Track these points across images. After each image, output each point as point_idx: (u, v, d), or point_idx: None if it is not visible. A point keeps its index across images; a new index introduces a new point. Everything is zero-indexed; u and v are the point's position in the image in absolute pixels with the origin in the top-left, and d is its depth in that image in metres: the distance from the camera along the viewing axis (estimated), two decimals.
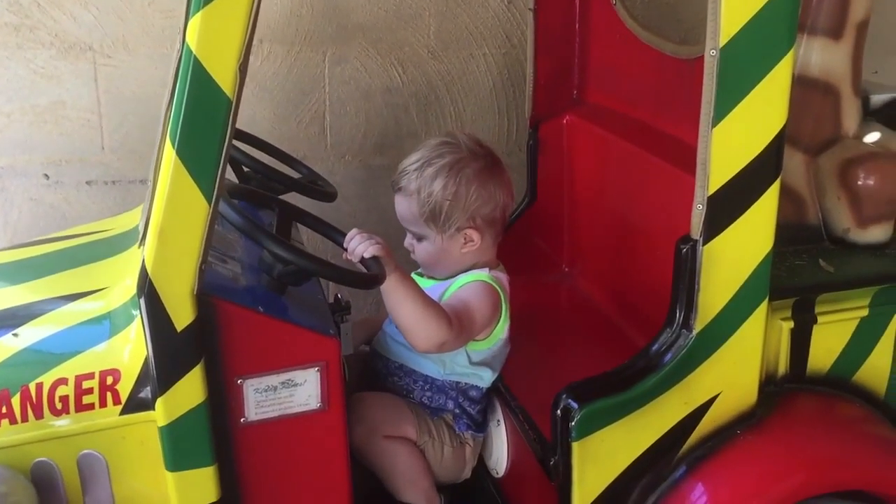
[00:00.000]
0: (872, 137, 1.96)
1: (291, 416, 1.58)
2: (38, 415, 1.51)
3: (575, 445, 1.60)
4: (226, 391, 1.53)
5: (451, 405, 1.90)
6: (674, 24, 2.84)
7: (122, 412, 1.53)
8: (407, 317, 1.71)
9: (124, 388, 1.52)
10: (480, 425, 1.95)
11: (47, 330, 1.59)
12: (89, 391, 1.52)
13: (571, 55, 2.36)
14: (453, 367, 1.88)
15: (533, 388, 1.88)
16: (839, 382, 1.81)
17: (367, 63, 2.72)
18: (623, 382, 1.62)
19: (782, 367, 1.76)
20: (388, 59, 2.73)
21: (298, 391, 1.57)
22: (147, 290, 1.42)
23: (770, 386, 1.75)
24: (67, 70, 2.53)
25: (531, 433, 1.77)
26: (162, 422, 1.48)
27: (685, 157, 1.63)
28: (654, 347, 1.63)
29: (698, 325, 1.60)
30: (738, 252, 1.58)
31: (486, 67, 2.83)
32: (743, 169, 1.52)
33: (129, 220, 1.90)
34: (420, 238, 1.87)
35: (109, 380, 1.52)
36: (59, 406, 1.51)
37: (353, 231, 1.72)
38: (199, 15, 1.33)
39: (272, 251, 1.56)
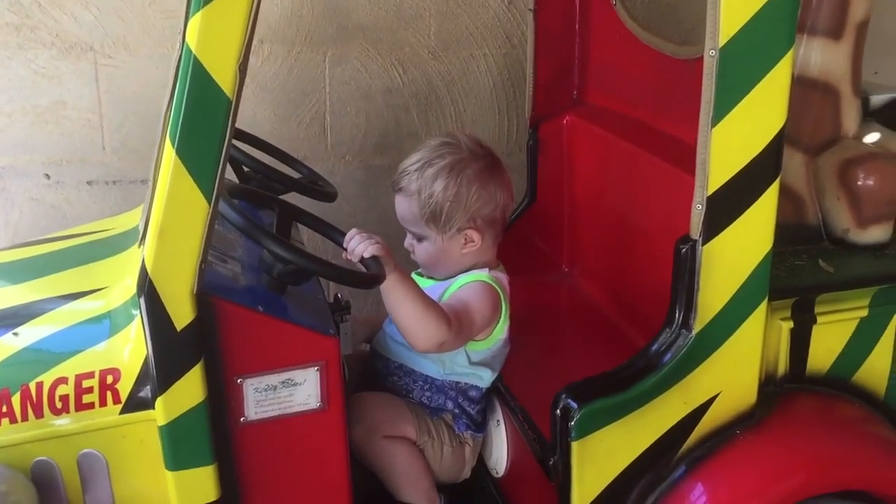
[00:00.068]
0: (872, 138, 1.96)
1: (291, 416, 1.58)
2: (39, 414, 1.51)
3: (574, 445, 1.60)
4: (225, 390, 1.53)
5: (450, 405, 1.90)
6: (674, 25, 2.84)
7: (122, 411, 1.53)
8: (406, 316, 1.71)
9: (124, 388, 1.53)
10: (480, 425, 1.95)
11: (47, 329, 1.59)
12: (89, 390, 1.52)
13: (571, 55, 2.36)
14: (453, 367, 1.88)
15: (533, 388, 1.88)
16: (839, 383, 1.81)
17: (368, 63, 2.72)
18: (622, 382, 1.62)
19: (782, 367, 1.76)
20: (389, 59, 2.74)
21: (298, 391, 1.57)
22: (147, 289, 1.42)
23: (770, 386, 1.75)
24: (68, 70, 2.54)
25: (531, 433, 1.77)
26: (162, 421, 1.49)
27: (685, 158, 1.63)
28: (654, 347, 1.63)
29: (698, 325, 1.60)
30: (737, 252, 1.58)
31: (486, 68, 2.83)
32: (742, 169, 1.52)
33: (130, 219, 1.90)
34: (420, 238, 1.87)
35: (109, 379, 1.52)
36: (59, 405, 1.51)
37: (353, 231, 1.72)
38: (198, 15, 1.33)
39: (272, 251, 1.56)
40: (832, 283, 1.80)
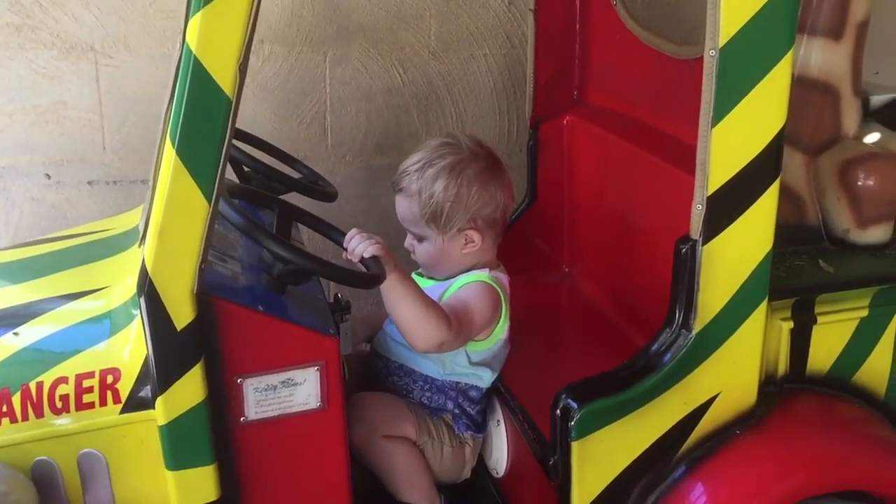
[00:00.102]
0: (872, 138, 1.96)
1: (291, 416, 1.58)
2: (39, 413, 1.51)
3: (574, 445, 1.60)
4: (225, 390, 1.53)
5: (450, 405, 1.90)
6: (674, 25, 2.84)
7: (123, 411, 1.53)
8: (406, 316, 1.71)
9: (124, 387, 1.53)
10: (480, 426, 1.95)
11: (48, 329, 1.60)
12: (89, 390, 1.52)
13: (572, 56, 2.36)
14: (453, 367, 1.88)
15: (533, 388, 1.88)
16: (839, 383, 1.81)
17: (368, 63, 2.72)
18: (622, 382, 1.62)
19: (782, 367, 1.76)
20: (389, 59, 2.74)
21: (298, 390, 1.57)
22: (147, 289, 1.42)
23: (770, 386, 1.75)
24: (69, 70, 2.54)
25: (531, 433, 1.77)
26: (162, 420, 1.49)
27: (685, 158, 1.63)
28: (654, 347, 1.63)
29: (698, 325, 1.60)
30: (737, 252, 1.58)
31: (486, 68, 2.83)
32: (742, 169, 1.52)
33: (130, 219, 1.90)
34: (421, 239, 1.87)
35: (109, 379, 1.52)
36: (59, 405, 1.51)
37: (353, 231, 1.72)
38: (198, 15, 1.33)
39: (272, 250, 1.56)
40: (832, 284, 1.80)
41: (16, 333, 1.58)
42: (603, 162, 2.24)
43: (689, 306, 1.59)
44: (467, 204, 1.82)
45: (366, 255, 1.66)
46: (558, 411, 1.61)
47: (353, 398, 1.82)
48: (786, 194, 1.67)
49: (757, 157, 1.52)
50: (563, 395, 1.61)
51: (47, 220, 2.62)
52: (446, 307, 1.76)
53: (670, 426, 1.65)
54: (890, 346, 1.82)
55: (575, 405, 1.59)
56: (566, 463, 1.62)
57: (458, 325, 1.74)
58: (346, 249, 1.72)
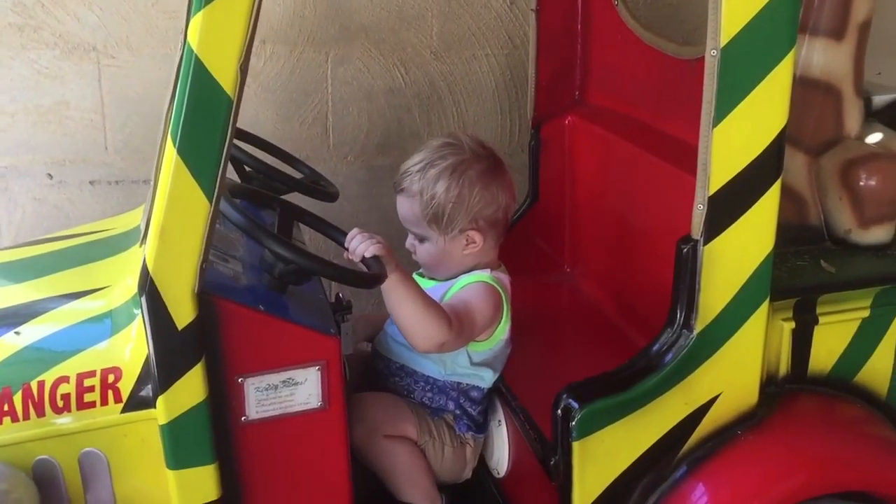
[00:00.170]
0: (874, 138, 1.96)
1: (292, 415, 1.58)
2: (40, 413, 1.51)
3: (575, 445, 1.60)
4: (226, 390, 1.53)
5: (451, 406, 1.90)
6: (675, 25, 2.84)
7: (124, 410, 1.53)
8: (407, 317, 1.71)
9: (125, 387, 1.53)
10: (481, 426, 1.95)
11: (49, 328, 1.60)
12: (90, 389, 1.52)
13: (573, 56, 2.36)
14: (454, 367, 1.88)
15: (534, 388, 1.88)
16: (840, 383, 1.81)
17: (370, 64, 2.73)
18: (624, 382, 1.62)
19: (783, 367, 1.76)
20: (391, 59, 2.74)
21: (299, 390, 1.57)
22: (148, 288, 1.42)
23: (771, 386, 1.74)
24: (71, 70, 2.54)
25: (532, 433, 1.77)
26: (163, 420, 1.49)
27: (686, 158, 1.63)
28: (655, 347, 1.63)
29: (699, 325, 1.60)
30: (738, 252, 1.58)
31: (488, 68, 2.83)
32: (744, 169, 1.52)
33: (131, 219, 1.91)
34: (422, 239, 1.87)
35: (111, 378, 1.53)
36: (60, 404, 1.52)
37: (355, 230, 1.72)
38: (200, 14, 1.33)
39: (273, 250, 1.57)
40: (834, 284, 1.80)
41: (17, 332, 1.58)
42: (604, 162, 2.24)
43: (691, 306, 1.59)
44: (469, 204, 1.82)
45: (367, 255, 1.66)
46: (559, 411, 1.61)
47: (354, 398, 1.82)
48: (787, 194, 1.67)
49: (758, 157, 1.52)
50: (565, 395, 1.61)
51: (49, 219, 2.63)
52: (447, 307, 1.75)
53: (671, 426, 1.65)
54: (892, 346, 1.82)
55: (576, 405, 1.59)
56: (567, 463, 1.62)
57: (459, 325, 1.74)
58: (347, 249, 1.71)
